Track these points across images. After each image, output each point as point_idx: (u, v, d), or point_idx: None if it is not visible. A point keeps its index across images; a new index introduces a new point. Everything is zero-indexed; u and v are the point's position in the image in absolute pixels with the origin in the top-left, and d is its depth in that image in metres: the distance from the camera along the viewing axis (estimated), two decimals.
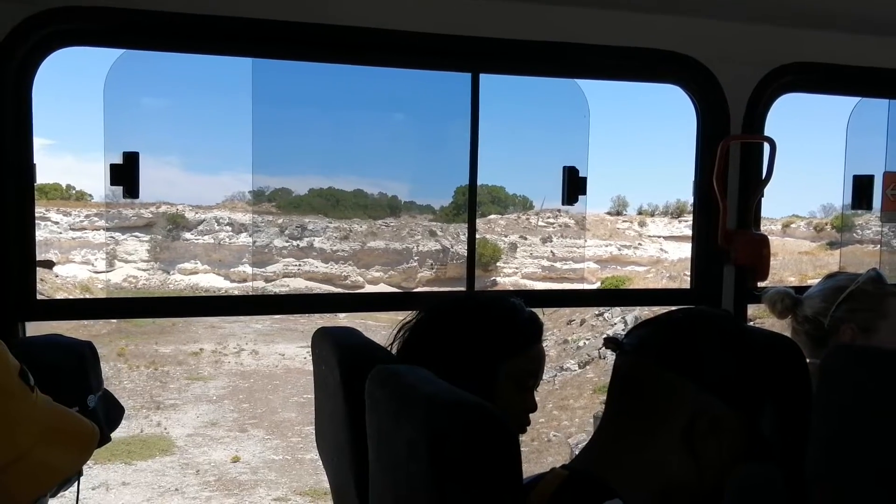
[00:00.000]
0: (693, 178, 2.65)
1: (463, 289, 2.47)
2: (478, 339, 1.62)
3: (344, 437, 1.55)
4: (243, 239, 36.55)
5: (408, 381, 1.25)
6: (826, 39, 2.61)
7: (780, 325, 2.23)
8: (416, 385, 1.22)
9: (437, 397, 1.16)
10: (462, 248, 34.75)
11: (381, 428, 1.32)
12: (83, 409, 1.72)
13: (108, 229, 36.20)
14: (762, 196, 2.62)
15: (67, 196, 39.27)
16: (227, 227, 36.71)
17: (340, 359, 1.57)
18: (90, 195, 40.16)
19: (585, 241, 37.73)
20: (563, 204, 2.44)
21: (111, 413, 1.88)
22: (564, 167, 2.45)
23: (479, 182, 2.42)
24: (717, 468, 1.25)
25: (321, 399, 1.76)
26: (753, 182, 2.60)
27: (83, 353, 1.80)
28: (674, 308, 1.39)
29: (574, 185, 2.45)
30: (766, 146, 2.55)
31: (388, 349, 1.69)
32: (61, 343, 1.81)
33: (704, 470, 1.24)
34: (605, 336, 1.39)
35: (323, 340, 1.70)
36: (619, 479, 1.21)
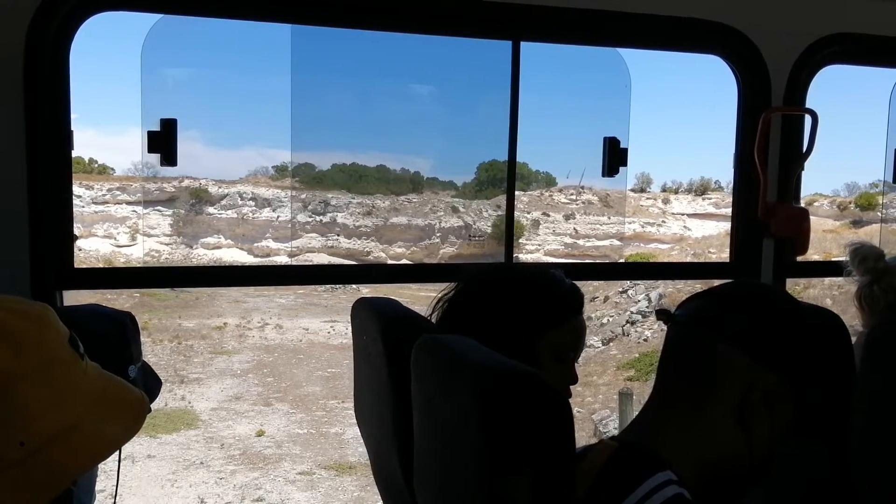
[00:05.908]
0: (733, 151, 2.62)
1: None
2: (519, 310, 1.61)
3: (387, 406, 1.54)
4: (266, 214, 36.67)
5: (456, 349, 1.23)
6: (871, 9, 2.56)
7: (813, 297, 2.18)
8: (465, 353, 1.20)
9: (488, 366, 1.14)
10: (483, 225, 34.76)
11: (429, 397, 1.31)
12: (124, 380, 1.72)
13: (130, 203, 36.40)
14: (803, 169, 2.59)
15: (90, 170, 39.44)
16: (251, 201, 36.84)
17: (383, 329, 1.55)
18: (112, 169, 40.41)
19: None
20: (602, 175, 2.41)
21: (149, 384, 1.88)
22: (605, 138, 2.41)
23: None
24: (766, 442, 1.24)
25: (362, 369, 1.74)
26: (794, 154, 2.56)
27: (125, 323, 1.80)
28: (716, 282, 1.37)
29: (615, 157, 2.42)
30: (808, 118, 2.51)
31: (429, 319, 1.67)
32: (104, 312, 1.81)
33: (754, 443, 1.23)
34: (656, 308, 1.38)
35: (363, 310, 1.69)
36: (670, 451, 1.20)
